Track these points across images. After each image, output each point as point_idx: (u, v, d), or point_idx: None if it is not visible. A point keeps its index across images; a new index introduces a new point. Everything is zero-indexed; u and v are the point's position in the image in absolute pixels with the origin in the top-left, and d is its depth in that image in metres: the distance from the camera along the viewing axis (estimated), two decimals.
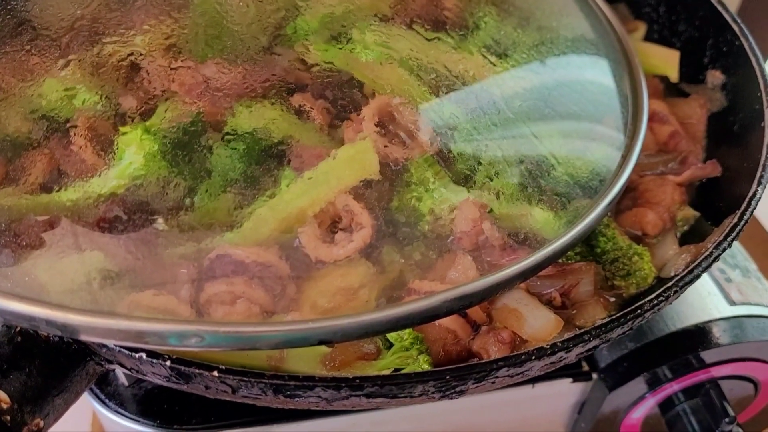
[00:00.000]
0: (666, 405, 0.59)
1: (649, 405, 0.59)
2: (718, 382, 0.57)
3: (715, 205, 0.53)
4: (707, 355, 0.55)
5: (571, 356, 0.39)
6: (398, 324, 0.37)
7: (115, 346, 0.37)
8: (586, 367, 0.56)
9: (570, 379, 0.56)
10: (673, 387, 0.57)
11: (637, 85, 0.57)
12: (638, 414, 0.59)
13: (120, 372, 0.54)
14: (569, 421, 0.62)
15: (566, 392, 0.58)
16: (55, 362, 0.39)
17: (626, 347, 0.55)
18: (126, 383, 0.54)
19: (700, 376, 0.56)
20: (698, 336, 0.55)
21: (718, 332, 0.55)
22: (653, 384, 0.57)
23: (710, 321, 0.55)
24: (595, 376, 0.56)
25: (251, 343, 0.35)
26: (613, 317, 0.39)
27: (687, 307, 0.56)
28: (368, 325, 0.36)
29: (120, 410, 0.53)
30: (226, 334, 0.35)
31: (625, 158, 0.50)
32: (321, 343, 0.36)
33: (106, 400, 0.53)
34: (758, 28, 0.67)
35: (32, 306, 0.34)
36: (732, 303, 0.56)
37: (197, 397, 0.53)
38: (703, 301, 0.55)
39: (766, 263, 0.65)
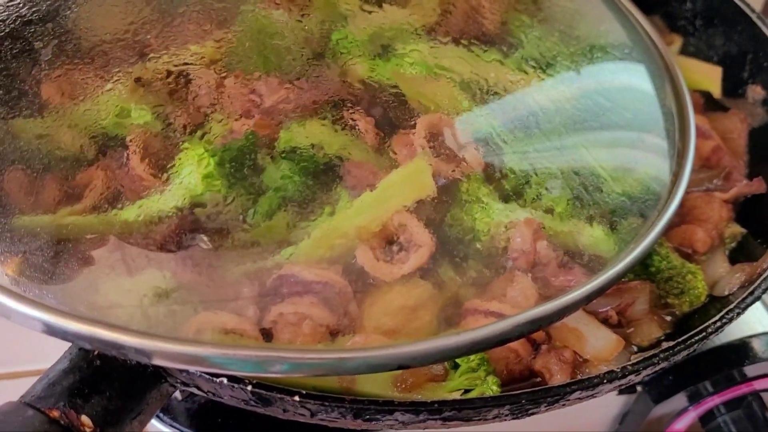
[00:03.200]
0: (707, 417, 0.60)
1: (691, 417, 0.60)
2: (760, 395, 0.58)
3: (760, 221, 0.54)
4: (750, 369, 0.56)
5: (639, 378, 0.40)
6: (473, 348, 0.38)
7: (198, 371, 0.37)
8: None
9: (615, 392, 0.57)
10: (715, 400, 0.58)
11: (682, 101, 0.58)
12: (680, 425, 0.60)
13: None
14: None
15: (610, 404, 0.59)
16: (132, 385, 0.39)
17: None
18: (179, 397, 0.55)
19: (742, 389, 0.57)
20: (742, 350, 0.56)
21: (760, 346, 0.56)
22: (696, 397, 0.58)
23: (754, 336, 0.56)
24: (639, 388, 0.57)
25: (334, 369, 0.36)
26: (680, 340, 0.40)
27: None
28: (446, 351, 0.37)
29: (174, 424, 0.54)
30: (311, 361, 0.35)
31: (677, 177, 0.51)
32: (400, 368, 0.37)
33: (161, 414, 0.54)
34: None
35: (123, 335, 0.35)
36: None
37: (251, 414, 0.54)
38: (745, 316, 0.56)
39: None
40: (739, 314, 0.41)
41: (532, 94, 0.57)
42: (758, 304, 0.58)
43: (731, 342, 0.56)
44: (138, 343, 0.35)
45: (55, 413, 0.36)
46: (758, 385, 0.57)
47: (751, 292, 0.42)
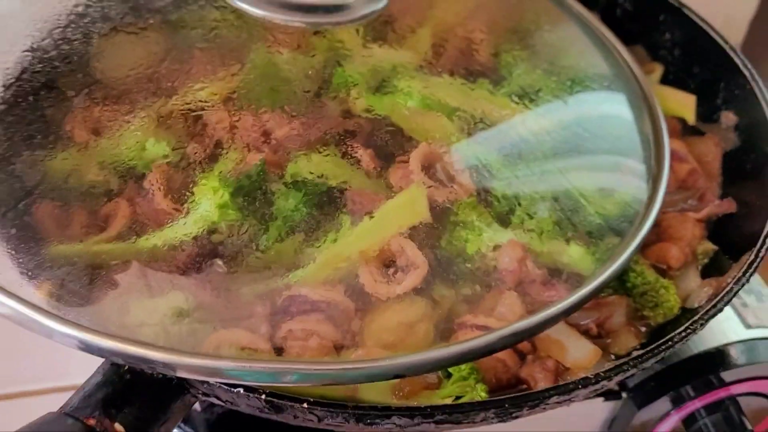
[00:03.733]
0: (689, 420, 0.64)
1: (673, 421, 0.64)
2: (736, 399, 0.62)
3: (731, 239, 0.59)
4: (727, 375, 0.60)
5: (612, 383, 0.44)
6: (462, 359, 0.43)
7: (217, 382, 0.42)
8: (616, 387, 0.62)
9: (602, 398, 0.61)
10: (695, 404, 0.62)
11: (658, 128, 0.62)
12: (664, 429, 0.64)
13: None
14: None
15: (598, 410, 0.63)
16: (158, 396, 0.44)
17: (653, 368, 0.61)
18: (199, 409, 0.59)
19: (720, 394, 0.61)
20: (718, 357, 0.60)
21: (736, 354, 0.60)
22: (678, 401, 0.62)
23: (729, 344, 0.60)
24: (624, 395, 0.61)
25: (338, 379, 0.41)
26: (648, 349, 0.44)
27: (707, 331, 0.61)
28: (437, 361, 0.42)
29: None
30: (317, 372, 0.40)
31: (651, 199, 0.55)
32: (396, 377, 0.42)
33: (182, 425, 0.58)
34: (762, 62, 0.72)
35: (151, 351, 0.40)
36: (748, 326, 0.61)
37: (266, 424, 0.59)
38: (722, 326, 0.61)
39: None
40: (702, 325, 0.46)
41: (519, 125, 0.61)
42: (733, 315, 0.63)
43: (709, 350, 0.60)
44: (164, 358, 0.39)
45: (92, 422, 0.41)
46: (735, 389, 0.61)
47: (714, 305, 0.46)
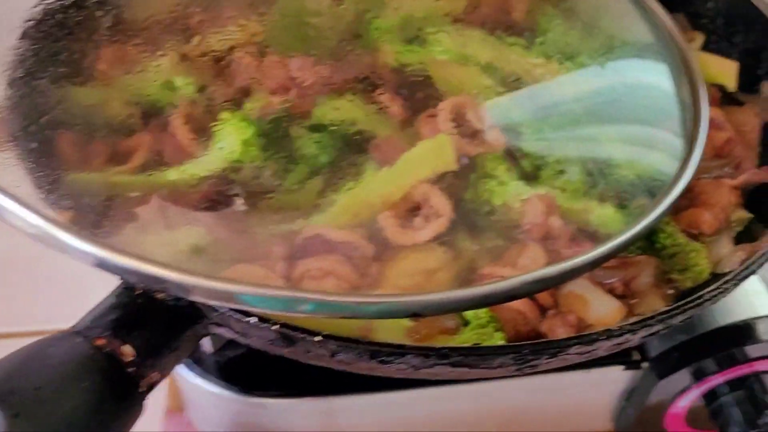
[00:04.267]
0: (710, 396, 0.62)
1: (694, 395, 0.62)
2: (761, 376, 0.60)
3: (767, 208, 0.57)
4: (752, 350, 0.58)
5: (636, 339, 0.43)
6: (483, 301, 0.41)
7: (230, 310, 0.41)
8: (637, 356, 0.60)
9: (622, 367, 0.60)
10: (717, 379, 0.60)
11: (697, 93, 0.60)
12: (684, 403, 0.62)
13: (205, 340, 0.58)
14: (615, 407, 0.66)
15: (617, 379, 0.61)
16: (170, 323, 0.43)
17: (676, 338, 0.59)
18: (210, 350, 0.59)
19: (744, 370, 0.59)
20: (744, 331, 0.58)
21: (762, 329, 0.58)
22: (699, 375, 0.60)
23: (756, 318, 0.58)
24: (645, 364, 0.60)
25: (355, 312, 0.39)
26: (676, 305, 0.43)
27: (735, 303, 0.59)
28: (457, 301, 0.40)
29: (206, 376, 0.58)
30: (334, 302, 0.39)
31: (686, 161, 0.54)
32: (414, 315, 0.40)
33: (192, 365, 0.58)
34: None
35: (168, 270, 0.39)
36: None
37: (274, 368, 0.58)
38: (750, 299, 0.59)
39: None
40: (735, 285, 0.44)
41: (554, 83, 0.60)
42: (762, 289, 0.61)
43: (735, 323, 0.58)
44: (180, 279, 0.38)
45: (100, 341, 0.40)
46: (759, 366, 0.59)
47: (747, 267, 0.44)
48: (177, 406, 0.69)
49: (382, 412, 0.63)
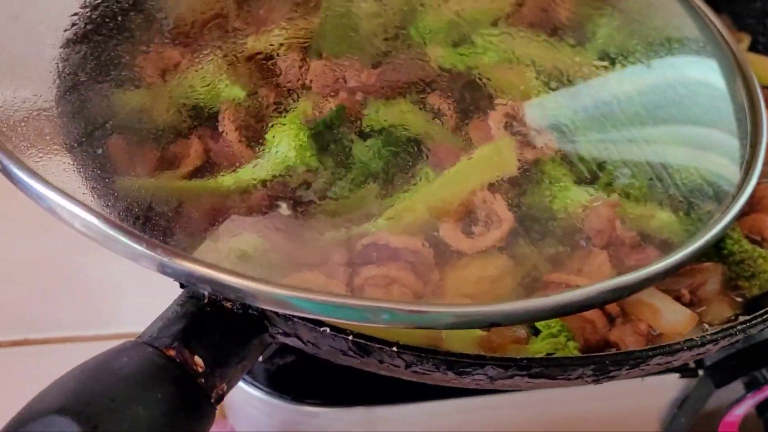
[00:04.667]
0: (764, 405, 0.61)
1: (748, 404, 0.61)
2: None
3: None
4: None
5: (716, 348, 0.42)
6: (560, 311, 0.40)
7: (302, 320, 0.40)
8: (692, 364, 0.59)
9: (677, 375, 0.58)
10: None
11: (754, 95, 0.59)
12: (740, 411, 0.61)
13: None
14: (665, 416, 0.65)
15: (671, 387, 0.60)
16: (238, 332, 0.42)
17: (734, 346, 0.58)
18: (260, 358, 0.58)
19: None
20: None
21: None
22: (755, 384, 0.59)
23: None
24: (701, 372, 0.59)
25: (432, 322, 0.38)
26: (758, 314, 0.41)
27: None
28: (535, 311, 0.39)
29: (255, 383, 0.56)
30: (412, 313, 0.38)
31: (749, 166, 0.53)
32: (492, 325, 0.39)
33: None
34: None
35: (240, 279, 0.38)
36: None
37: (325, 376, 0.57)
38: None
39: None
40: None
41: (606, 85, 0.59)
42: None
43: None
44: (253, 288, 0.38)
45: (172, 352, 0.39)
46: None
47: None
48: (220, 413, 0.68)
49: (427, 422, 0.62)
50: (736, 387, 0.60)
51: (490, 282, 0.49)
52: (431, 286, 0.49)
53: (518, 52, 0.60)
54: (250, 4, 0.59)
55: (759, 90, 0.59)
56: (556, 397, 0.62)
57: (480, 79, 0.57)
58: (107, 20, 0.55)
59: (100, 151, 0.45)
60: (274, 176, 0.51)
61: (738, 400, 0.61)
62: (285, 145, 0.52)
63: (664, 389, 0.61)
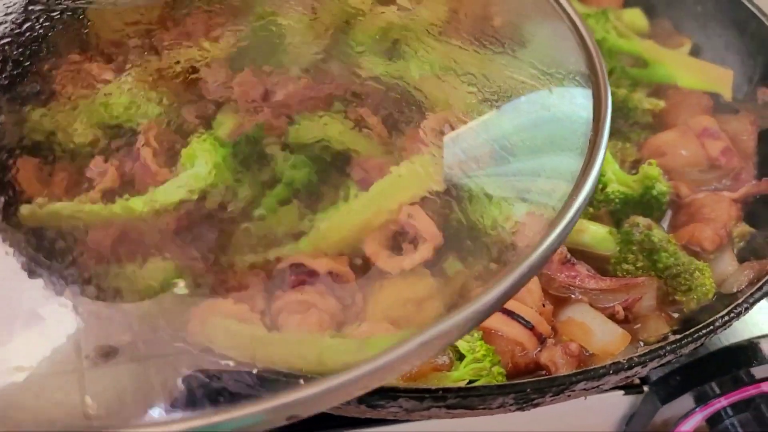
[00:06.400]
0: (714, 419, 0.60)
1: (698, 419, 0.59)
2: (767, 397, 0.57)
3: None
4: (758, 371, 0.56)
5: (645, 371, 0.40)
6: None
7: None
8: (637, 380, 0.57)
9: (621, 392, 0.56)
10: (722, 401, 0.58)
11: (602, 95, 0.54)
12: (687, 427, 0.59)
13: None
14: None
15: (616, 404, 0.58)
16: None
17: (678, 361, 0.56)
18: None
19: (750, 391, 0.57)
20: (750, 351, 0.55)
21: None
22: (703, 398, 0.57)
23: (762, 336, 0.55)
24: (646, 388, 0.57)
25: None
26: (687, 333, 0.40)
27: (739, 322, 0.56)
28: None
29: None
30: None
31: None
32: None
33: None
34: None
35: None
36: None
37: None
38: (754, 317, 0.56)
39: None
40: (747, 309, 0.41)
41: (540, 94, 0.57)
42: (766, 305, 0.58)
43: (739, 343, 0.55)
44: None
45: None
46: (766, 386, 0.56)
47: (759, 288, 0.41)
48: None
49: None
50: (685, 401, 0.58)
51: (415, 303, 0.47)
52: (354, 310, 0.46)
53: (451, 62, 0.58)
54: (175, 18, 0.57)
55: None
56: (503, 419, 0.59)
57: (411, 91, 0.55)
58: (23, 33, 0.52)
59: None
60: (190, 197, 0.48)
61: (687, 415, 0.59)
62: (201, 164, 0.49)
63: (610, 407, 0.59)
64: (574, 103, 0.55)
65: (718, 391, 0.57)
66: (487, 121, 0.54)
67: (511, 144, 0.53)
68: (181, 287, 0.45)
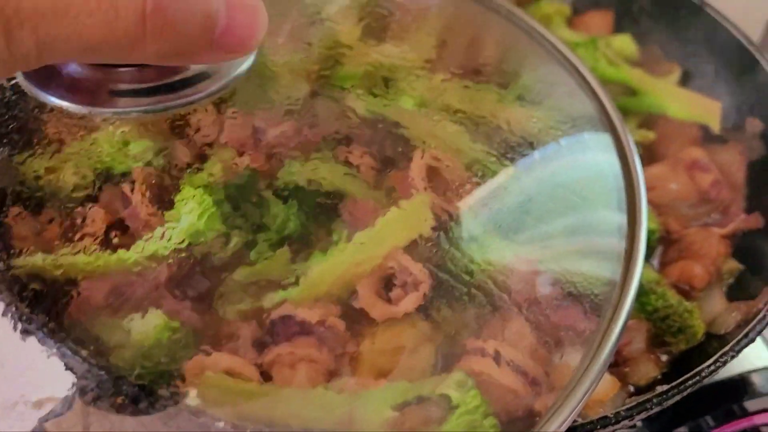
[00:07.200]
0: None
1: None
2: (760, 429, 0.58)
3: (758, 257, 0.54)
4: (750, 404, 0.56)
5: (633, 422, 0.40)
6: None
7: None
8: None
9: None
10: None
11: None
12: None
13: None
14: None
15: None
16: None
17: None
18: None
19: (743, 424, 0.57)
20: (742, 385, 0.56)
21: (760, 381, 0.56)
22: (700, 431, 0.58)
23: (753, 371, 0.56)
24: (639, 423, 0.57)
25: None
26: (674, 385, 0.40)
27: None
28: None
29: None
30: None
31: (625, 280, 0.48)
32: None
33: None
34: None
35: None
36: None
37: None
38: (746, 351, 0.56)
39: None
40: (733, 357, 0.42)
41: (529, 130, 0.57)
42: (758, 339, 0.59)
43: (731, 377, 0.56)
44: None
45: None
46: (758, 419, 0.57)
47: (746, 334, 0.42)
48: None
49: None
50: None
51: (409, 353, 0.47)
52: (346, 359, 0.47)
53: (442, 99, 0.58)
54: None
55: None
56: None
57: (402, 129, 0.55)
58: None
59: None
60: (180, 247, 0.48)
61: None
62: (190, 213, 0.49)
63: None
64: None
65: (711, 424, 0.57)
66: (485, 164, 0.54)
67: (509, 189, 0.54)
68: (173, 340, 0.46)
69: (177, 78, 0.44)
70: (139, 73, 0.43)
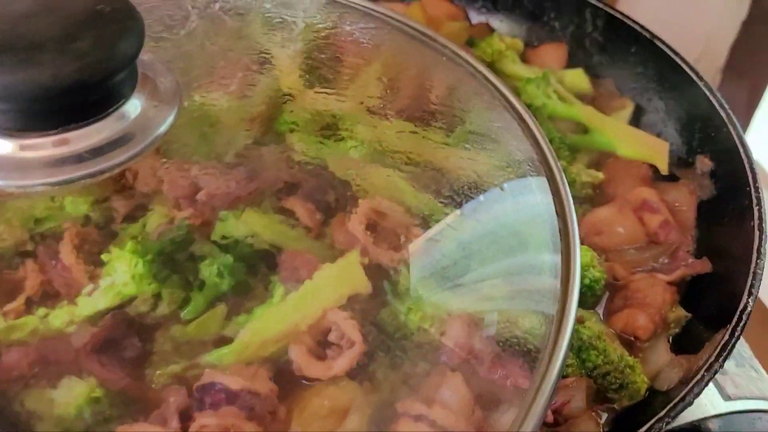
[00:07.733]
0: None
1: None
2: None
3: (706, 303, 0.53)
4: None
5: None
6: None
7: None
8: None
9: None
10: None
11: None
12: None
13: None
14: None
15: None
16: None
17: None
18: None
19: None
20: None
21: (713, 429, 0.54)
22: None
23: (705, 418, 0.54)
24: None
25: None
26: None
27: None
28: None
29: None
30: None
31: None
32: None
33: None
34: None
35: None
36: (727, 398, 0.55)
37: None
38: (699, 398, 0.55)
39: (759, 342, 0.65)
40: (673, 418, 0.40)
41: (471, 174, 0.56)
42: (711, 385, 0.57)
43: (682, 426, 0.55)
44: None
45: None
46: None
47: (683, 398, 0.41)
48: None
49: None
50: None
51: (342, 415, 0.46)
52: (276, 427, 0.45)
53: (385, 143, 0.57)
54: None
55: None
56: None
57: (343, 178, 0.54)
58: None
59: None
60: (111, 308, 0.47)
61: None
62: (120, 273, 0.48)
63: None
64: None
65: None
66: (427, 211, 0.53)
67: (450, 234, 0.53)
68: (95, 412, 0.44)
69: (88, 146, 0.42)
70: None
